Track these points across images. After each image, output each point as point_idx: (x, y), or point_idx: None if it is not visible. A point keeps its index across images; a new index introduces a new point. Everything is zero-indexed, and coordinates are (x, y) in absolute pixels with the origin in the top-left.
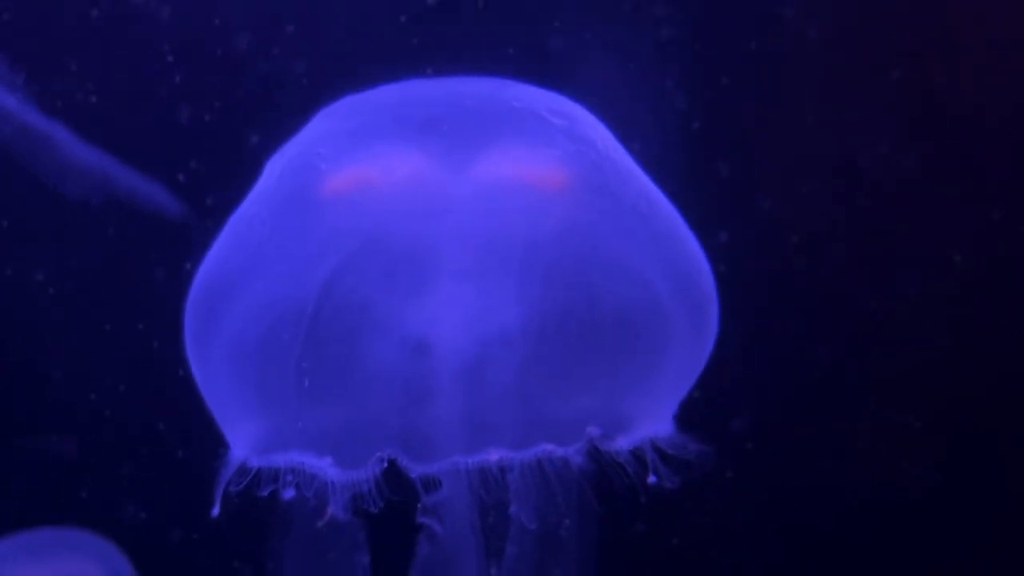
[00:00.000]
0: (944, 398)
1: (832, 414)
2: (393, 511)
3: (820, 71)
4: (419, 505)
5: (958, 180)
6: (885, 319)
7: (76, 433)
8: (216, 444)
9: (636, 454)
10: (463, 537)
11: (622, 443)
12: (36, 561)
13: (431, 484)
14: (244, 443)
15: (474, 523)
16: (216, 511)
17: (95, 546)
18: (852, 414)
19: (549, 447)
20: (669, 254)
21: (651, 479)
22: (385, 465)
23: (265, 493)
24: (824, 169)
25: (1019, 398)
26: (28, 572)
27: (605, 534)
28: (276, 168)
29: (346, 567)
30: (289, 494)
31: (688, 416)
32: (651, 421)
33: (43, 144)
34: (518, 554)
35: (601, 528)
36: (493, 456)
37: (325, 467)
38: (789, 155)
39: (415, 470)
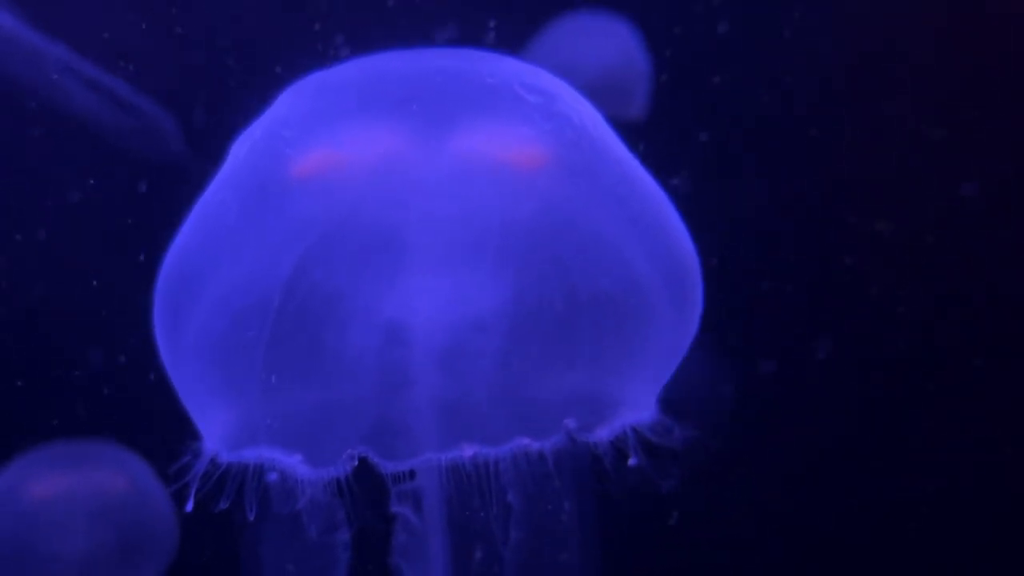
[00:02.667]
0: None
1: (821, 400)
2: (373, 488)
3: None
4: (392, 493)
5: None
6: (880, 310)
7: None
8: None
9: (618, 442)
10: (436, 526)
11: (602, 433)
12: (66, 472)
13: (403, 476)
14: (215, 436)
15: (448, 512)
16: (190, 507)
17: (121, 458)
18: (841, 402)
19: (525, 441)
20: (650, 234)
21: (631, 461)
22: (356, 463)
23: (236, 486)
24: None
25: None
26: (58, 482)
27: (604, 515)
28: (242, 150)
29: (326, 546)
30: (270, 478)
31: (673, 400)
32: (634, 407)
33: (42, 61)
34: (518, 539)
35: (600, 509)
36: (468, 452)
37: (295, 464)
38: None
39: (387, 467)
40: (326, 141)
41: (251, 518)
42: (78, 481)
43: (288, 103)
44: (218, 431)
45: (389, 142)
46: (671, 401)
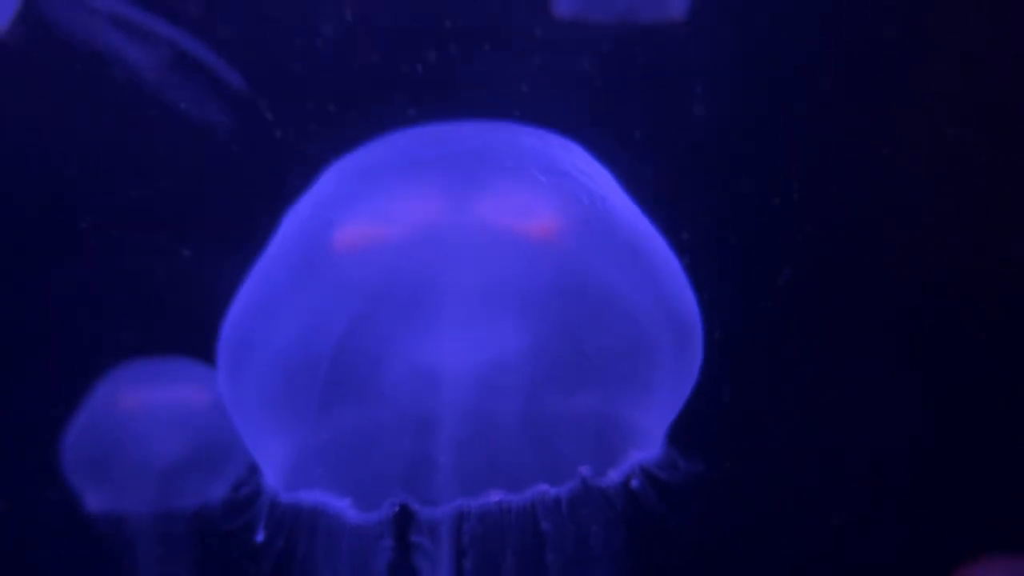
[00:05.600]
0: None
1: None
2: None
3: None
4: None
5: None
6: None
7: None
8: None
9: (628, 480)
10: (449, 554)
11: (614, 476)
12: (151, 386)
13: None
14: (272, 474)
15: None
16: (260, 537)
17: (203, 375)
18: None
19: (544, 487)
20: (656, 291)
21: (632, 485)
22: (397, 509)
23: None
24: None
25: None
26: (144, 396)
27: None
28: (292, 227)
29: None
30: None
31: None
32: (642, 446)
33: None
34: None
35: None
36: (493, 498)
37: (344, 508)
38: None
39: (424, 513)
40: (367, 220)
41: (303, 550)
42: (164, 394)
43: (331, 184)
44: (275, 469)
45: (423, 218)
46: (676, 437)
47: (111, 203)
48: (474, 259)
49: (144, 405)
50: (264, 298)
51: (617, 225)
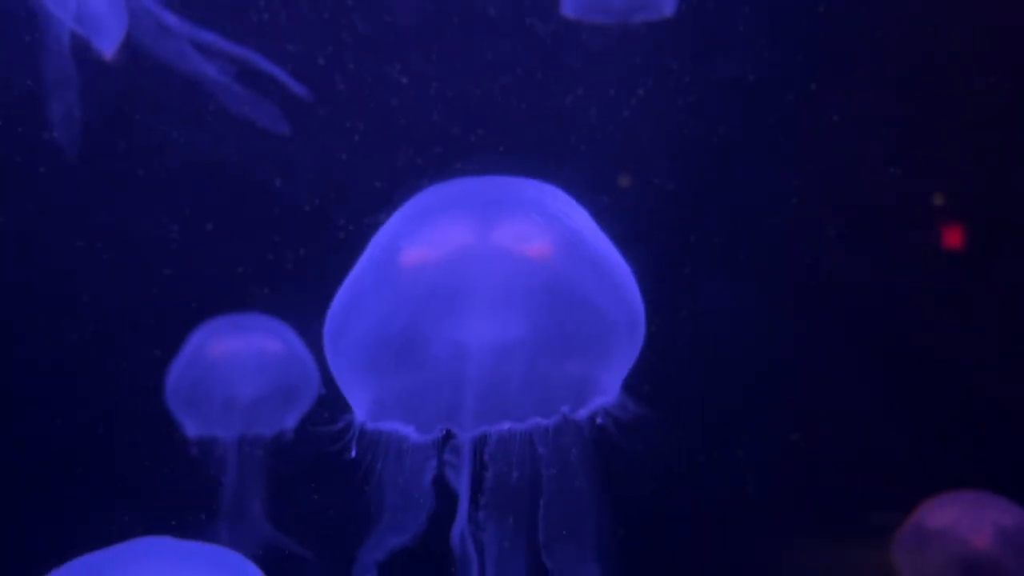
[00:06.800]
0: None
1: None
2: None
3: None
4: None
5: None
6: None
7: None
8: None
9: (595, 417)
10: (469, 465)
11: (585, 414)
12: (237, 336)
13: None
14: (360, 413)
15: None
16: (353, 453)
17: (277, 326)
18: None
19: (538, 421)
20: (614, 292)
21: (598, 421)
22: (441, 434)
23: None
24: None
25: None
26: (232, 343)
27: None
28: (374, 249)
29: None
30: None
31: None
32: (604, 394)
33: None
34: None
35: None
36: (504, 427)
37: (408, 433)
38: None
39: (460, 436)
40: (422, 246)
41: (379, 465)
42: (247, 343)
43: (398, 220)
44: (361, 408)
45: (457, 245)
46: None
47: (204, 202)
48: (492, 271)
49: (231, 351)
50: (355, 296)
51: (588, 248)
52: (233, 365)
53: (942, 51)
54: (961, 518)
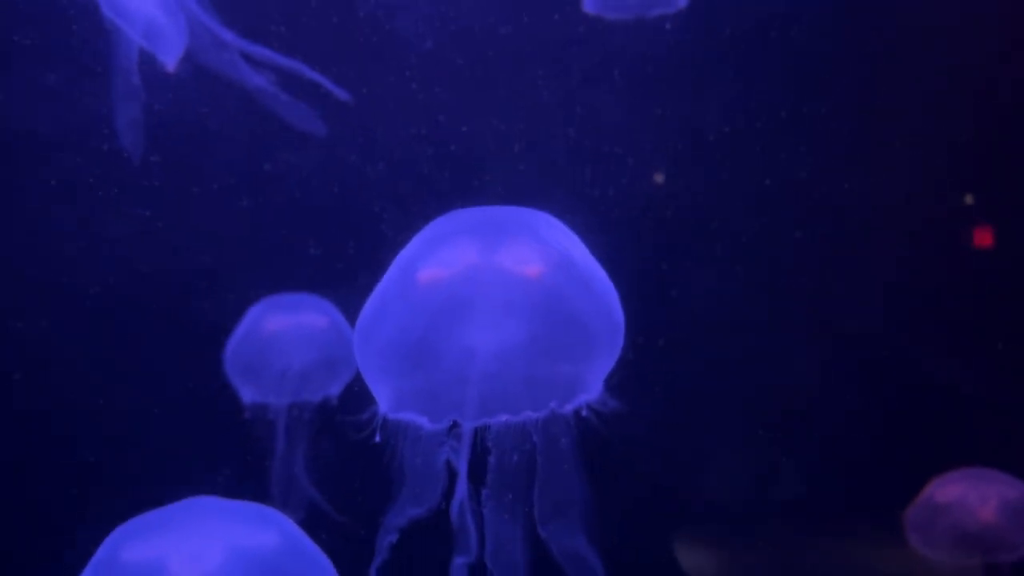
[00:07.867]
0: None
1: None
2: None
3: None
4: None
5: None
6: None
7: None
8: None
9: (580, 411)
10: (468, 448)
11: (571, 408)
12: (287, 313)
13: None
14: (384, 405)
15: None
16: (378, 438)
17: (323, 304)
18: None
19: (530, 414)
20: (599, 305)
21: (583, 412)
22: (449, 424)
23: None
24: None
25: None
26: (283, 320)
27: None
28: (395, 268)
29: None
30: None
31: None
32: (587, 392)
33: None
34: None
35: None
36: (503, 419)
37: (423, 422)
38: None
39: (464, 425)
40: (436, 266)
41: (399, 448)
42: (296, 319)
43: (421, 238)
44: (384, 401)
45: (466, 265)
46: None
47: (254, 202)
48: (495, 289)
49: (284, 325)
50: (380, 307)
51: (577, 268)
52: (287, 338)
53: (938, 45)
54: (969, 492)
